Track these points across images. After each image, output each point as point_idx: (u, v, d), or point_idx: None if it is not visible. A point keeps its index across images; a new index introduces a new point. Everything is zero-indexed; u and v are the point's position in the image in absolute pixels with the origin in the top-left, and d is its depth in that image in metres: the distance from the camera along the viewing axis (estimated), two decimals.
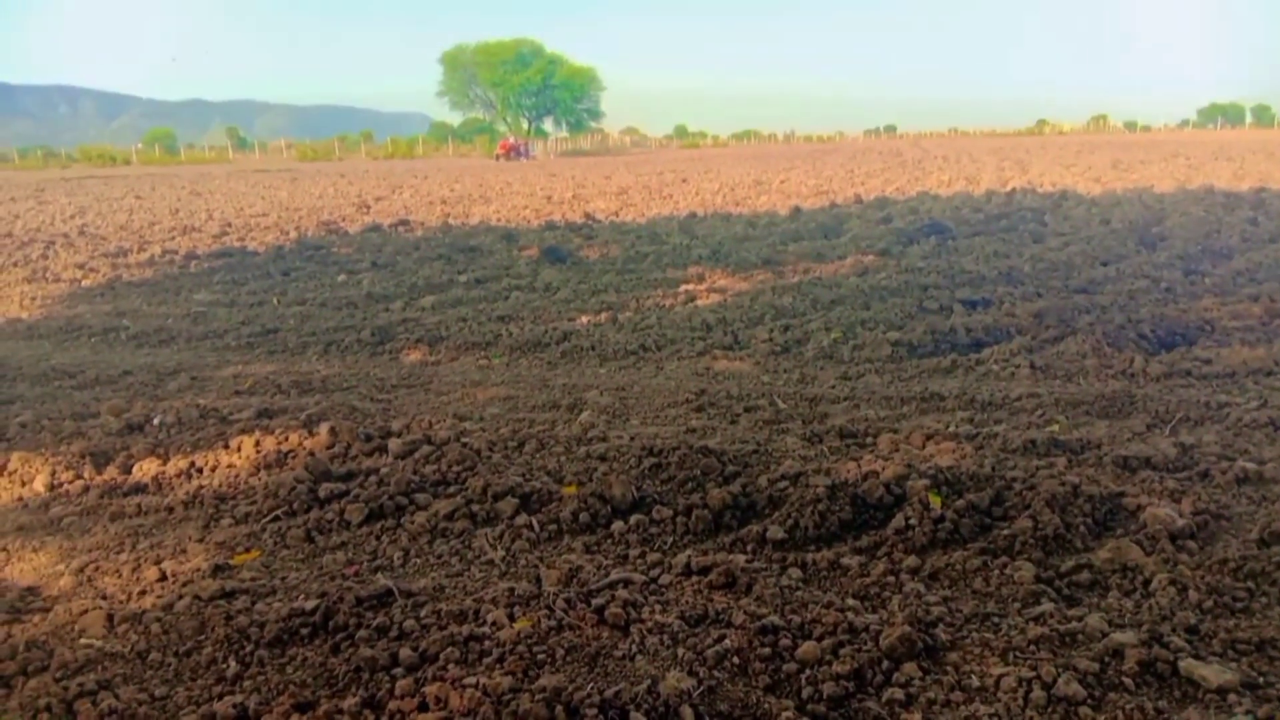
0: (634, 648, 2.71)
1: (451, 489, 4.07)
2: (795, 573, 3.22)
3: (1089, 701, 2.38)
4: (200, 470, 4.54)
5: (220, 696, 2.57)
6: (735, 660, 2.61)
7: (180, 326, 8.51)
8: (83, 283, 11.34)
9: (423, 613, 2.93)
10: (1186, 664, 2.49)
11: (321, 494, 4.04)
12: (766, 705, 2.43)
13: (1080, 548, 3.34)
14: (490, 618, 2.84)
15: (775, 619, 2.76)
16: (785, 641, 2.67)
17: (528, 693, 2.39)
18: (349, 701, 2.45)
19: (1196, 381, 5.57)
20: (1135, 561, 3.13)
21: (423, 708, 2.40)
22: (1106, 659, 2.54)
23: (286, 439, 4.70)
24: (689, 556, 3.31)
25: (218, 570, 3.45)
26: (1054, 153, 40.40)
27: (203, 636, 2.89)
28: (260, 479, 4.35)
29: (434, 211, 19.75)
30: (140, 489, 4.41)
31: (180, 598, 3.17)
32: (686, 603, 2.97)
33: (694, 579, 3.17)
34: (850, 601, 2.98)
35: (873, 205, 17.21)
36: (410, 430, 4.83)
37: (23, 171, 52.79)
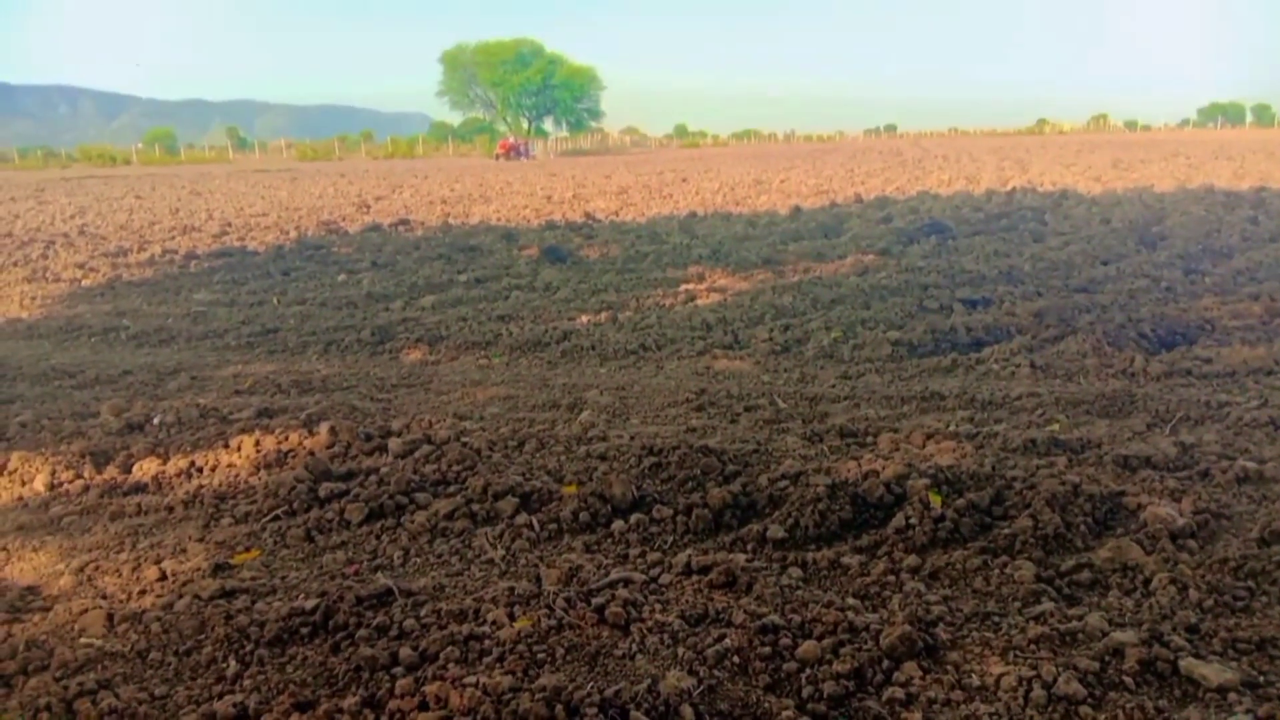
0: (634, 647, 2.71)
1: (451, 488, 4.07)
2: (795, 572, 3.22)
3: (1089, 701, 2.38)
4: (200, 470, 4.54)
5: (220, 696, 2.57)
6: (735, 659, 2.61)
7: (180, 326, 8.51)
8: (83, 282, 11.34)
9: (423, 612, 2.93)
10: (1187, 663, 2.49)
11: (321, 493, 4.04)
12: (767, 704, 2.43)
13: (1080, 547, 3.34)
14: (490, 617, 2.84)
15: (775, 618, 2.76)
16: (785, 641, 2.67)
17: (528, 692, 2.39)
18: (349, 701, 2.45)
19: (1197, 381, 5.57)
20: (1135, 561, 3.13)
21: (423, 707, 2.40)
22: (1107, 658, 2.54)
23: (286, 438, 4.70)
24: (689, 556, 3.31)
25: (218, 570, 3.45)
26: (1054, 152, 40.40)
27: (203, 636, 2.89)
28: (260, 478, 4.35)
29: (434, 211, 19.75)
30: (140, 488, 4.41)
31: (180, 597, 3.17)
32: (687, 602, 2.97)
33: (694, 578, 3.17)
34: (850, 601, 2.97)
35: (873, 205, 17.21)
36: (410, 430, 4.83)
37: (23, 171, 52.81)
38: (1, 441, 5.08)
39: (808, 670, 2.54)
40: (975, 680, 2.52)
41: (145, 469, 4.55)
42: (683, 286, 9.59)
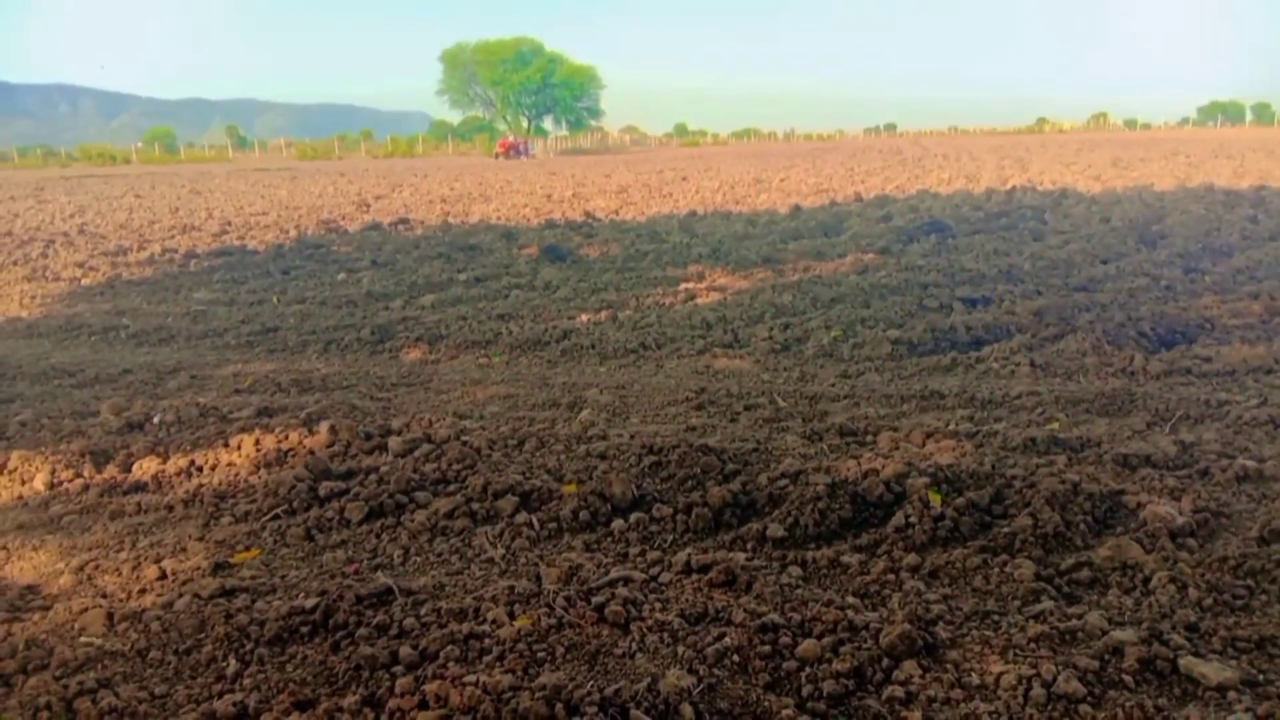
0: (634, 646, 2.71)
1: (451, 487, 4.07)
2: (795, 571, 3.23)
3: (1089, 699, 2.38)
4: (200, 469, 4.54)
5: (220, 695, 2.57)
6: (735, 658, 2.61)
7: (180, 325, 8.51)
8: (82, 281, 11.34)
9: (423, 611, 2.93)
10: (1186, 661, 2.49)
11: (321, 492, 4.04)
12: (766, 703, 2.43)
13: (1080, 545, 3.34)
14: (490, 616, 2.85)
15: (775, 617, 2.76)
16: (785, 639, 2.67)
17: (528, 690, 2.39)
18: (349, 699, 2.45)
19: (1196, 379, 5.57)
20: (1135, 559, 3.13)
21: (423, 706, 2.40)
22: (1106, 657, 2.54)
23: (286, 437, 4.70)
24: (689, 554, 3.31)
25: (218, 568, 3.46)
26: (1054, 151, 40.39)
27: (203, 635, 2.89)
28: (260, 477, 4.35)
29: (434, 210, 19.75)
30: (140, 487, 4.41)
31: (180, 596, 3.17)
32: (686, 601, 2.97)
33: (694, 577, 3.17)
34: (850, 599, 2.98)
35: (873, 203, 17.20)
36: (410, 429, 4.83)
37: (22, 170, 52.81)
38: (1, 440, 5.08)
39: (807, 669, 2.54)
40: (975, 679, 2.52)
41: (145, 468, 4.55)
42: (682, 285, 9.59)
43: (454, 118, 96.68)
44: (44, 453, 4.70)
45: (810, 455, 4.37)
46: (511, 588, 3.01)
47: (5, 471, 4.57)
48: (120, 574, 3.45)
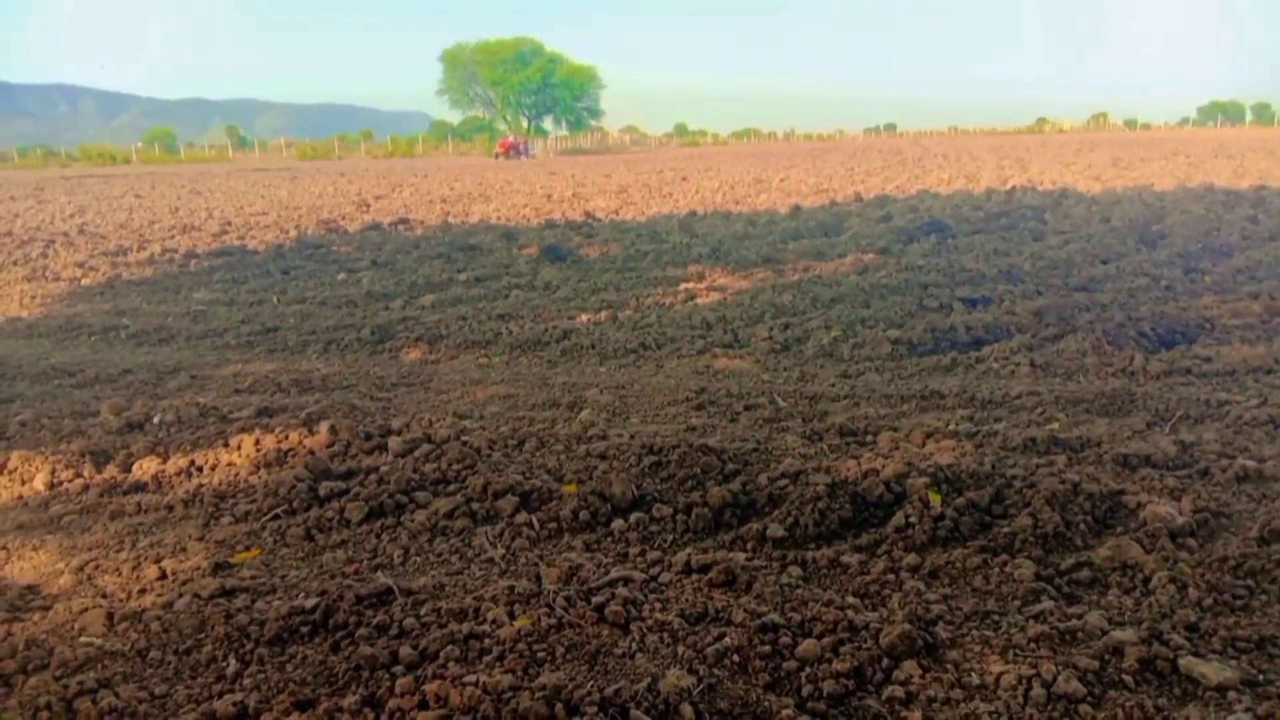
0: (634, 646, 2.71)
1: (451, 487, 4.07)
2: (795, 571, 3.23)
3: (1089, 699, 2.38)
4: (200, 469, 4.54)
5: (220, 695, 2.57)
6: (735, 658, 2.61)
7: (180, 325, 8.51)
8: (82, 281, 11.34)
9: (423, 611, 2.93)
10: (1186, 661, 2.49)
11: (321, 492, 4.04)
12: (766, 703, 2.43)
13: (1080, 545, 3.34)
14: (490, 616, 2.85)
15: (775, 617, 2.76)
16: (785, 639, 2.67)
17: (528, 690, 2.39)
18: (349, 699, 2.45)
19: (1196, 379, 5.57)
20: (1135, 559, 3.13)
21: (423, 706, 2.40)
22: (1106, 656, 2.54)
23: (286, 437, 4.70)
24: (689, 554, 3.31)
25: (218, 568, 3.46)
26: (1054, 151, 40.39)
27: (202, 635, 2.89)
28: (260, 477, 4.35)
29: (434, 210, 19.75)
30: (140, 487, 4.41)
31: (180, 596, 3.17)
32: (686, 601, 2.97)
33: (694, 577, 3.17)
34: (850, 599, 2.98)
35: (873, 203, 17.20)
36: (410, 429, 4.83)
37: (22, 170, 52.80)
38: (1, 440, 5.08)
39: (807, 669, 2.54)
40: (975, 679, 2.52)
41: (145, 468, 4.55)
42: (682, 285, 9.59)
43: (454, 118, 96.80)
44: (44, 453, 4.70)
45: (810, 455, 4.37)
46: (511, 588, 3.01)
47: (5, 471, 4.57)
48: (120, 574, 3.45)
